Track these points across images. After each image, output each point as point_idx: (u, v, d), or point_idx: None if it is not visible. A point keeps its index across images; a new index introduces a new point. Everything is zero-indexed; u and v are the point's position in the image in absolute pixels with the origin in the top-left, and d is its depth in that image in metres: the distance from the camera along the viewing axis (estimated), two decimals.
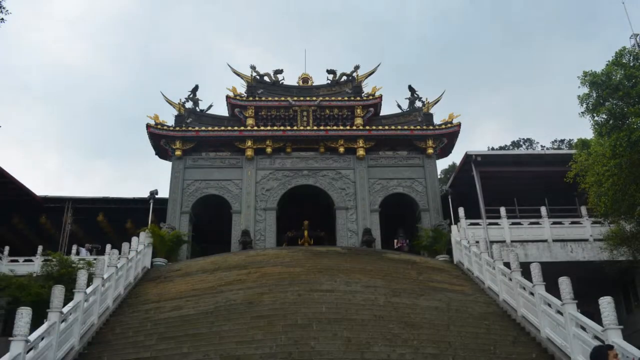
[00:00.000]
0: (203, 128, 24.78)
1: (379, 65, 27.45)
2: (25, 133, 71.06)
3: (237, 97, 25.49)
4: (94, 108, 74.50)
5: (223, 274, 15.91)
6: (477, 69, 77.16)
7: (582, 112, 15.89)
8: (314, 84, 26.93)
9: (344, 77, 26.89)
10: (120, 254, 15.59)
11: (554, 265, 18.87)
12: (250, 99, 25.47)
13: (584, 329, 9.52)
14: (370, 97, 25.89)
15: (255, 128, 24.72)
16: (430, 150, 24.68)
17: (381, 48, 76.38)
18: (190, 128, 24.75)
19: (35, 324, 9.31)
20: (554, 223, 20.76)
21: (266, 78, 26.69)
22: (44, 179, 71.36)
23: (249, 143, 24.47)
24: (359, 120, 25.08)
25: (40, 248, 22.14)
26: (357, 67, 26.90)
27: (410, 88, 26.85)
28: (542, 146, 42.33)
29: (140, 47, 79.71)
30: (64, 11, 75.98)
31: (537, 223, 20.79)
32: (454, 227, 20.72)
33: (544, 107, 74.42)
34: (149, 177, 73.75)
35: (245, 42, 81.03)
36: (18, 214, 24.64)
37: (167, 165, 25.02)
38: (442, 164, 39.06)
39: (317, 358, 9.46)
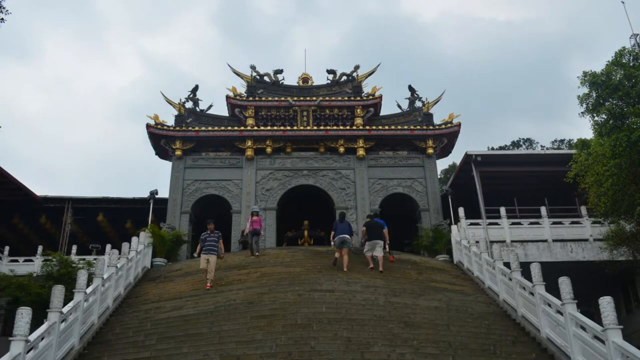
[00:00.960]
0: (203, 128, 24.78)
1: (379, 65, 27.49)
2: None
3: (237, 97, 25.49)
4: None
5: (223, 274, 15.90)
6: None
7: (582, 112, 15.91)
8: (314, 84, 26.92)
9: (344, 77, 26.89)
10: (120, 254, 15.58)
11: (554, 265, 18.89)
12: (250, 99, 25.47)
13: (584, 329, 9.50)
14: (370, 97, 25.89)
15: (255, 128, 24.73)
16: (430, 150, 24.68)
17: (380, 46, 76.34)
18: (190, 128, 24.75)
19: (35, 324, 9.31)
20: (554, 223, 20.76)
21: (266, 78, 26.70)
22: (44, 178, 71.35)
23: (249, 143, 24.47)
24: (359, 120, 25.08)
25: (40, 248, 22.15)
26: (357, 67, 26.91)
27: (410, 88, 26.86)
28: (542, 146, 42.41)
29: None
30: None
31: (537, 223, 20.79)
32: (454, 227, 20.71)
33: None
34: (149, 177, 73.75)
35: (246, 42, 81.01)
36: (18, 214, 24.64)
37: (167, 165, 25.07)
38: (442, 164, 39.18)
39: (317, 358, 9.45)
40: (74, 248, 21.86)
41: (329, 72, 27.08)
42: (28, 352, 8.50)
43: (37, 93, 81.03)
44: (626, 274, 18.96)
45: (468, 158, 22.62)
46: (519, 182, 23.79)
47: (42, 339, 9.20)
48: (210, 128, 24.80)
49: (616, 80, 15.05)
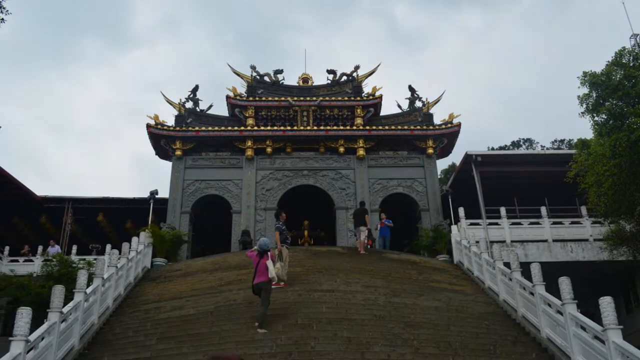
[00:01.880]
0: (203, 128, 24.78)
1: (379, 65, 27.49)
2: None
3: (237, 97, 25.49)
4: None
5: (223, 274, 15.91)
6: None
7: (582, 112, 15.92)
8: (314, 84, 26.92)
9: (344, 77, 26.88)
10: (120, 254, 15.58)
11: (554, 265, 18.88)
12: (251, 99, 25.47)
13: (584, 329, 9.51)
14: (371, 97, 25.88)
15: (256, 128, 24.72)
16: (430, 150, 24.68)
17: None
18: (190, 128, 24.75)
19: (35, 324, 9.31)
20: (554, 223, 20.75)
21: (266, 78, 26.70)
22: (44, 178, 71.35)
23: (249, 143, 24.47)
24: (359, 120, 25.08)
25: (40, 248, 22.14)
26: (357, 67, 26.90)
27: (411, 88, 26.85)
28: (542, 146, 42.43)
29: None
30: None
31: (537, 223, 20.79)
32: (454, 227, 20.71)
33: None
34: (148, 176, 73.73)
35: (246, 42, 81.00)
36: (18, 214, 24.64)
37: (167, 165, 25.07)
38: (442, 164, 39.14)
39: (317, 358, 9.46)
40: (74, 248, 21.85)
41: (329, 72, 27.07)
42: (28, 352, 8.50)
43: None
44: (626, 274, 18.97)
45: (468, 158, 22.62)
46: (519, 182, 23.79)
47: (42, 339, 9.21)
48: (210, 128, 24.79)
49: (616, 80, 15.06)
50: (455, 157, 38.17)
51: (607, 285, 19.63)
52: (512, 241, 20.35)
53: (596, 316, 9.81)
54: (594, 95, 15.51)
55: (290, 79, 30.15)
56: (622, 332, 8.66)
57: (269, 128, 24.79)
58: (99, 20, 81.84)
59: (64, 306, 10.28)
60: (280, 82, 26.71)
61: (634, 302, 20.27)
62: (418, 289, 14.36)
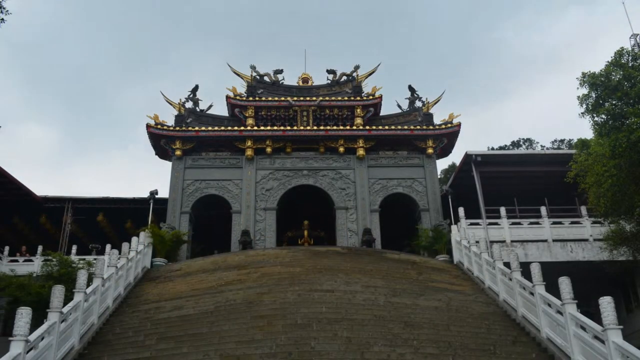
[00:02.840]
0: (203, 128, 24.79)
1: (379, 65, 27.51)
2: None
3: (237, 97, 25.50)
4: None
5: (223, 274, 15.92)
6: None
7: (582, 113, 15.92)
8: (314, 84, 26.93)
9: (344, 77, 26.90)
10: (120, 254, 15.58)
11: (554, 265, 18.90)
12: (250, 99, 25.47)
13: (584, 329, 9.52)
14: (370, 97, 25.89)
15: (255, 128, 24.73)
16: (430, 150, 24.69)
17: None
18: (190, 128, 24.76)
19: (35, 324, 9.31)
20: (554, 223, 20.76)
21: (266, 78, 26.71)
22: (44, 178, 71.36)
23: (249, 143, 24.48)
24: (359, 120, 25.08)
25: (40, 248, 22.14)
26: (357, 67, 26.92)
27: (410, 88, 26.87)
28: (542, 146, 42.38)
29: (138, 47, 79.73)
30: None
31: (537, 223, 20.80)
32: (454, 227, 20.72)
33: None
34: (149, 176, 73.76)
35: (245, 42, 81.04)
36: (18, 214, 24.64)
37: (167, 165, 25.08)
38: (442, 164, 39.16)
39: (317, 358, 9.46)
40: (74, 248, 21.85)
41: (329, 72, 27.09)
42: (28, 352, 8.51)
43: None
44: (626, 274, 18.97)
45: (468, 158, 22.62)
46: (519, 182, 23.79)
47: (42, 339, 9.21)
48: (210, 128, 24.80)
49: (615, 80, 15.06)
50: (455, 157, 38.21)
51: (607, 285, 19.62)
52: (512, 241, 20.36)
53: (596, 316, 9.81)
54: (594, 95, 15.51)
55: (291, 79, 30.08)
56: (622, 332, 8.67)
57: (268, 128, 24.79)
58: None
59: (63, 306, 10.29)
60: (280, 82, 26.72)
61: (634, 302, 20.27)
62: (418, 289, 14.37)
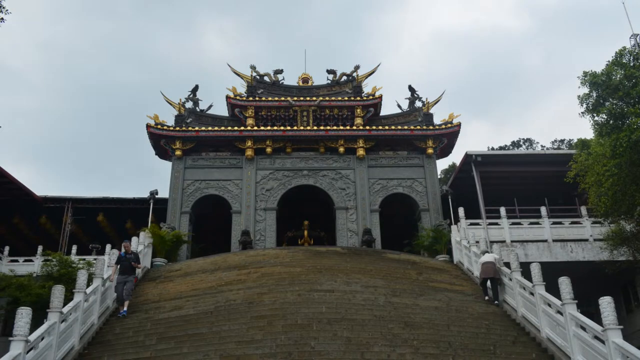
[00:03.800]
0: (203, 128, 24.79)
1: (379, 65, 27.56)
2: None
3: (237, 97, 25.50)
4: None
5: (223, 274, 15.90)
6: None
7: (582, 112, 15.90)
8: (314, 84, 26.95)
9: (344, 77, 26.91)
10: None
11: (554, 265, 18.90)
12: (250, 99, 25.47)
13: (584, 329, 9.50)
14: (371, 97, 25.90)
15: (255, 128, 24.73)
16: (430, 150, 24.69)
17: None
18: (190, 128, 24.76)
19: (35, 324, 9.30)
20: (554, 223, 20.75)
21: (266, 78, 26.72)
22: (44, 178, 71.34)
23: (249, 143, 24.47)
24: (359, 120, 25.09)
25: (40, 248, 22.14)
26: (357, 67, 26.94)
27: (410, 88, 26.87)
28: (542, 146, 42.40)
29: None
30: None
31: (537, 223, 20.79)
32: (454, 227, 20.71)
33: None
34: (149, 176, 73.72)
35: (244, 42, 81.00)
36: (18, 214, 24.64)
37: (167, 165, 25.07)
38: (442, 164, 39.23)
39: (317, 358, 9.45)
40: (74, 248, 21.86)
41: (329, 72, 27.10)
42: (28, 352, 8.50)
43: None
44: (626, 274, 18.94)
45: (468, 158, 22.62)
46: (519, 182, 23.79)
47: (42, 339, 9.20)
48: (210, 128, 24.81)
49: (616, 80, 15.03)
50: (455, 157, 38.24)
51: (607, 285, 19.61)
52: (512, 241, 20.35)
53: (596, 316, 9.81)
54: (594, 95, 15.49)
55: (291, 79, 30.12)
56: (622, 332, 8.66)
57: (268, 128, 24.79)
58: None
59: (63, 306, 10.28)
60: (280, 82, 26.73)
61: (634, 302, 20.26)
62: (418, 289, 14.36)
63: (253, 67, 26.64)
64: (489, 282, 14.07)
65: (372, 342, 10.13)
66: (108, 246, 19.82)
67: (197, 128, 24.76)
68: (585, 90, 15.62)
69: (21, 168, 69.46)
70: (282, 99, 25.55)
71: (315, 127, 24.82)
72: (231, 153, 24.86)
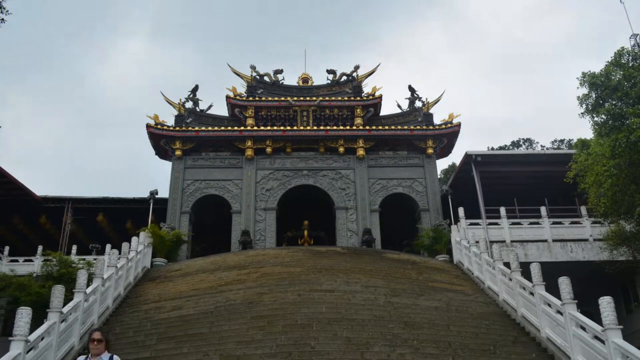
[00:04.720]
0: (203, 128, 24.80)
1: (379, 65, 27.55)
2: None
3: (237, 97, 25.51)
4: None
5: (223, 274, 15.92)
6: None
7: (581, 113, 15.91)
8: (314, 84, 26.96)
9: (344, 77, 26.92)
10: (120, 254, 15.57)
11: (554, 265, 18.89)
12: (250, 99, 25.48)
13: (584, 329, 9.51)
14: (370, 97, 25.90)
15: (255, 128, 24.74)
16: (430, 150, 24.70)
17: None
18: (190, 128, 24.77)
19: (35, 324, 9.30)
20: (554, 223, 20.75)
21: (266, 78, 26.72)
22: (44, 178, 71.34)
23: (249, 143, 24.48)
24: (358, 120, 25.09)
25: (40, 248, 22.14)
26: (357, 67, 26.94)
27: (410, 88, 26.87)
28: (542, 146, 42.41)
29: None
30: None
31: (537, 223, 20.78)
32: (454, 227, 20.71)
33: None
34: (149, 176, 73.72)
35: (244, 42, 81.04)
36: (18, 214, 24.63)
37: (167, 165, 25.08)
38: (442, 164, 39.23)
39: (317, 358, 9.46)
40: (74, 248, 21.85)
41: (329, 72, 27.10)
42: (28, 352, 8.50)
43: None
44: (626, 274, 18.94)
45: (468, 158, 22.63)
46: (519, 182, 23.79)
47: (42, 339, 9.21)
48: (210, 128, 24.82)
49: (615, 80, 15.04)
50: (455, 157, 38.25)
51: (607, 285, 19.61)
52: (512, 241, 20.34)
53: (596, 316, 9.79)
54: (594, 95, 15.50)
55: (291, 79, 30.18)
56: (622, 332, 8.66)
57: (268, 128, 24.80)
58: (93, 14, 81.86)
59: (63, 306, 10.28)
60: (280, 82, 26.74)
61: (634, 302, 20.26)
62: (418, 289, 14.36)
63: (253, 67, 26.65)
64: None
65: (372, 342, 10.14)
66: (108, 246, 19.81)
67: (197, 128, 24.77)
68: (585, 90, 15.64)
69: (21, 168, 69.47)
70: (282, 99, 25.56)
71: (315, 127, 24.82)
72: (231, 153, 24.87)
